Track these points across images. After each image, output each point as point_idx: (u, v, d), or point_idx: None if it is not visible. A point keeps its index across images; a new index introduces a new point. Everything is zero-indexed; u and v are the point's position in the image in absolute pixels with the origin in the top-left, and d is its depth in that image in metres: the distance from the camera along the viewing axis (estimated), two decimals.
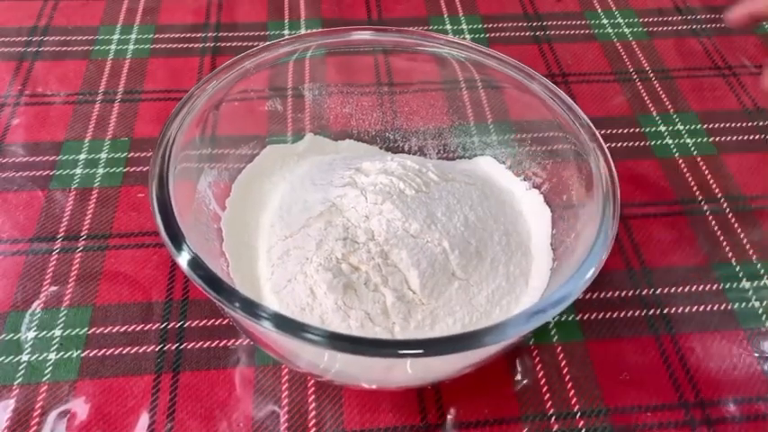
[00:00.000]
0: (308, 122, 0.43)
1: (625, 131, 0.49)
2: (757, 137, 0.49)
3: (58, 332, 0.36)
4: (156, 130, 0.47)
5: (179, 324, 0.37)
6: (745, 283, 0.40)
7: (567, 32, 0.57)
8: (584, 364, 0.36)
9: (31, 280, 0.38)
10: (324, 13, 0.57)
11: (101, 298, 0.38)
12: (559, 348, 0.37)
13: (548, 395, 0.35)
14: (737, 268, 0.41)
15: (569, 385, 0.35)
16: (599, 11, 0.59)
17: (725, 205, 0.44)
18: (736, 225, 0.43)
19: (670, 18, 0.59)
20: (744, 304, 0.39)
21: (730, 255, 0.42)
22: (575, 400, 0.35)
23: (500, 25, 0.57)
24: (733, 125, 0.50)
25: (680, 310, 0.39)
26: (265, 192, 0.39)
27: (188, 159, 0.34)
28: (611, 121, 0.49)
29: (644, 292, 0.39)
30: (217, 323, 0.37)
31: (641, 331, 0.38)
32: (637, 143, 0.48)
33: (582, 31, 0.57)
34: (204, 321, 0.37)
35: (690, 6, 0.60)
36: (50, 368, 0.35)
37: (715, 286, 0.40)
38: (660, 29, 0.58)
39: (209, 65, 0.52)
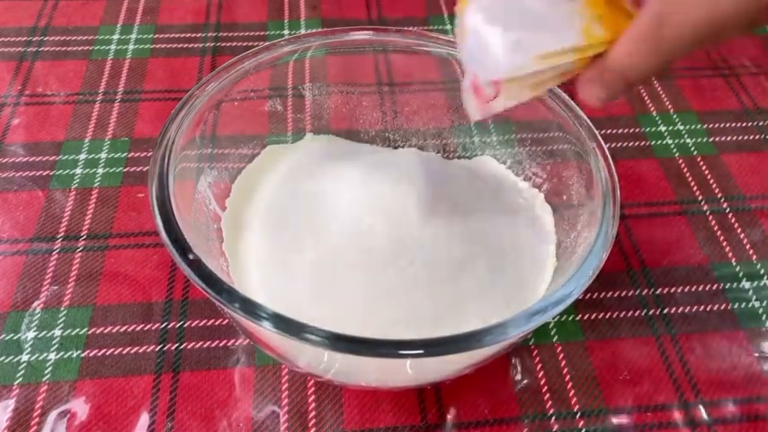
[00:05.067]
0: (308, 122, 0.43)
1: (625, 131, 0.49)
2: (757, 137, 0.49)
3: (57, 332, 0.36)
4: (156, 130, 0.47)
5: (179, 324, 0.37)
6: (745, 283, 0.40)
7: None
8: (584, 364, 0.36)
9: (31, 280, 0.38)
10: (324, 13, 0.57)
11: (101, 298, 0.38)
12: (559, 348, 0.37)
13: (548, 395, 0.35)
14: (737, 268, 0.41)
15: (569, 385, 0.35)
16: None
17: (725, 205, 0.44)
18: (736, 225, 0.43)
19: None
20: (744, 304, 0.39)
21: (730, 255, 0.42)
22: (575, 400, 0.35)
23: None
24: (733, 125, 0.50)
25: (680, 310, 0.39)
26: (265, 192, 0.39)
27: (188, 159, 0.34)
28: (611, 121, 0.49)
29: (644, 292, 0.39)
30: (217, 323, 0.37)
31: (641, 331, 0.38)
32: (637, 143, 0.48)
33: None
34: (204, 321, 0.37)
35: None
36: (50, 368, 0.35)
37: (715, 286, 0.40)
38: None
39: (210, 65, 0.52)
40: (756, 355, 0.37)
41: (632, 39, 0.24)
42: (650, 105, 0.51)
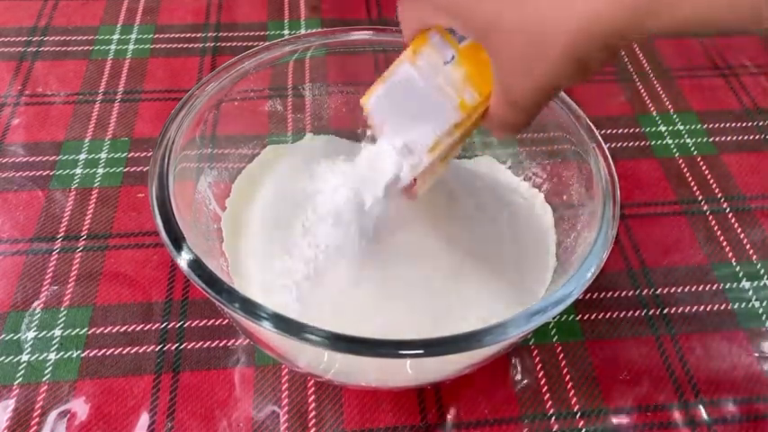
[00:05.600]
0: (308, 122, 0.43)
1: (625, 131, 0.49)
2: (757, 137, 0.49)
3: (57, 332, 0.36)
4: (156, 130, 0.47)
5: (179, 324, 0.37)
6: (745, 283, 0.40)
7: None
8: (584, 364, 0.36)
9: (31, 280, 0.38)
10: (324, 13, 0.57)
11: (101, 298, 0.38)
12: (559, 348, 0.37)
13: (548, 395, 0.35)
14: (737, 268, 0.41)
15: (569, 385, 0.35)
16: None
17: (725, 205, 0.44)
18: (736, 225, 0.43)
19: None
20: (744, 304, 0.39)
21: (730, 255, 0.42)
22: (575, 400, 0.35)
23: None
24: (733, 125, 0.50)
25: (680, 310, 0.39)
26: (265, 192, 0.39)
27: (188, 159, 0.34)
28: (611, 121, 0.49)
29: (644, 292, 0.39)
30: (217, 323, 0.37)
31: (641, 331, 0.38)
32: (637, 143, 0.48)
33: None
34: (204, 321, 0.37)
35: None
36: (50, 368, 0.35)
37: (715, 286, 0.40)
38: None
39: (210, 65, 0.52)
40: (756, 355, 0.37)
41: (494, 102, 0.27)
42: (650, 105, 0.51)
